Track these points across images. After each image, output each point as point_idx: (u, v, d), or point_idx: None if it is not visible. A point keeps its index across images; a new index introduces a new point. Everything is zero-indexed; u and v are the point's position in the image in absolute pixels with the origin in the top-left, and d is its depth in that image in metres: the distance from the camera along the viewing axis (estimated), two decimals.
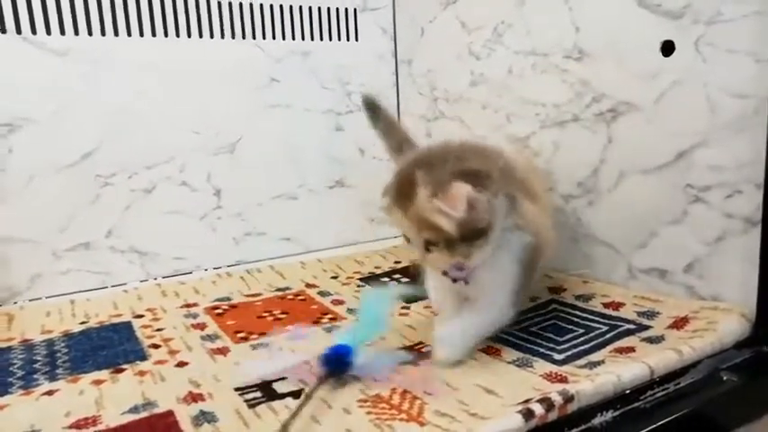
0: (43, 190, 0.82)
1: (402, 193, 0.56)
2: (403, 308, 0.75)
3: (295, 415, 0.47)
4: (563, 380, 0.52)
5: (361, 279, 0.88)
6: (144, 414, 0.50)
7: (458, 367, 0.57)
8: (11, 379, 0.58)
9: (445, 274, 0.57)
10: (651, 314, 0.65)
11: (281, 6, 0.97)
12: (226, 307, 0.77)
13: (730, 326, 0.58)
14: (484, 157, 0.57)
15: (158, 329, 0.70)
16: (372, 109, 0.77)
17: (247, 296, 0.81)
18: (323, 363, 0.54)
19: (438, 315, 0.66)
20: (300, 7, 0.99)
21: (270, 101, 0.98)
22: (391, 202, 0.57)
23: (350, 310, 0.74)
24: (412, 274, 0.80)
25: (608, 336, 0.61)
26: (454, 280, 0.57)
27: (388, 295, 0.64)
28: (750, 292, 0.60)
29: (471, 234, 0.53)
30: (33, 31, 0.80)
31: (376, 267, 0.94)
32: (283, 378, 0.55)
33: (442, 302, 0.66)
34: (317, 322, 0.71)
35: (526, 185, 0.60)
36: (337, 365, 0.54)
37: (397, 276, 0.88)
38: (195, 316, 0.74)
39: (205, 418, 0.49)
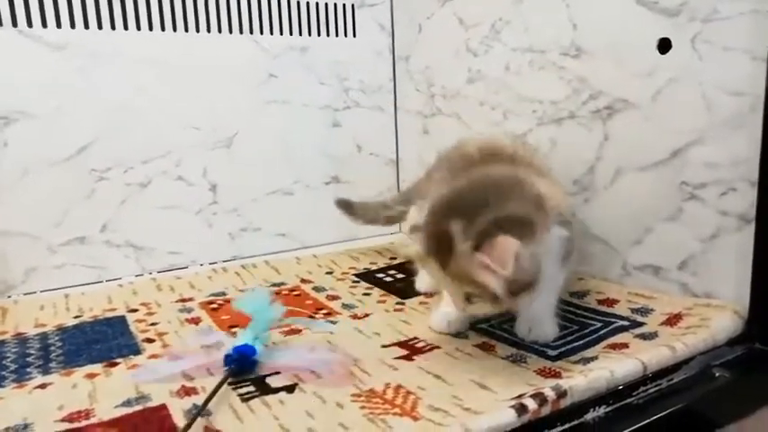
0: (38, 184, 0.82)
1: (438, 245, 0.52)
2: (398, 303, 0.75)
3: (199, 414, 0.47)
4: (556, 375, 0.52)
5: (356, 275, 0.88)
6: (137, 407, 0.50)
7: (452, 363, 0.57)
8: (4, 372, 0.57)
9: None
10: (645, 311, 0.65)
11: (278, 2, 0.97)
12: (221, 302, 0.77)
13: (723, 323, 0.58)
14: (521, 193, 0.54)
15: (153, 324, 0.70)
16: (346, 207, 0.87)
17: (242, 291, 0.81)
18: (226, 362, 0.55)
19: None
20: (298, 3, 0.98)
21: (267, 96, 0.98)
22: (426, 251, 0.54)
23: (345, 306, 0.74)
24: (408, 269, 0.80)
25: (602, 332, 0.62)
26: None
27: (263, 294, 0.64)
28: (743, 290, 0.60)
29: (519, 289, 0.51)
30: (29, 24, 0.79)
31: (371, 263, 0.94)
32: (278, 373, 0.55)
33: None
34: (311, 317, 0.71)
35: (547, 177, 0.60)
36: (241, 364, 0.55)
37: (392, 272, 0.88)
38: (190, 310, 0.74)
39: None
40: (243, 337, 0.57)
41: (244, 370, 0.55)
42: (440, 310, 0.64)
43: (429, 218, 0.54)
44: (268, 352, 0.58)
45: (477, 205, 0.52)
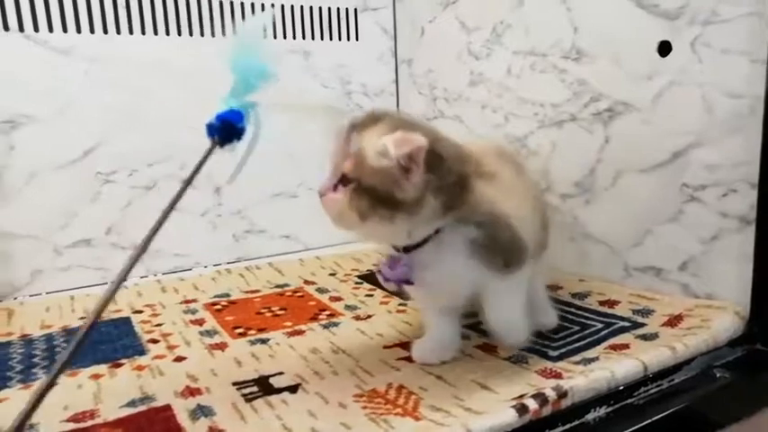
0: (44, 187, 0.83)
1: (363, 121, 0.51)
2: (400, 305, 0.75)
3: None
4: (557, 376, 0.53)
5: (359, 276, 0.88)
6: (142, 408, 0.51)
7: (453, 363, 0.57)
8: (10, 373, 0.58)
9: (379, 273, 0.54)
10: (646, 312, 0.66)
11: (281, 6, 0.97)
12: (225, 303, 0.78)
13: (724, 323, 0.59)
14: (464, 155, 0.53)
15: (157, 325, 0.70)
16: None
17: (246, 292, 0.82)
18: (209, 132, 0.47)
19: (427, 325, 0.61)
20: (301, 7, 0.99)
21: (270, 100, 0.98)
22: (348, 125, 0.52)
23: (347, 307, 0.75)
24: None
25: (603, 333, 0.62)
26: (385, 279, 0.53)
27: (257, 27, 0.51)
28: (744, 291, 0.61)
29: (384, 194, 0.48)
30: (36, 29, 0.80)
31: (374, 265, 0.94)
32: (281, 373, 0.56)
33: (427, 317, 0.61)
34: (314, 319, 0.71)
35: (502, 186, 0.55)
36: (227, 133, 0.47)
37: None
38: (194, 312, 0.75)
39: (202, 411, 0.49)
40: (227, 101, 0.48)
41: (230, 139, 0.47)
42: (420, 341, 0.60)
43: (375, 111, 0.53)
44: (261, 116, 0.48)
45: (425, 127, 0.51)
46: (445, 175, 0.49)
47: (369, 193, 0.49)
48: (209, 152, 0.46)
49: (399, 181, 0.48)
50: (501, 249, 0.53)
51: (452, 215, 0.51)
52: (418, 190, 0.48)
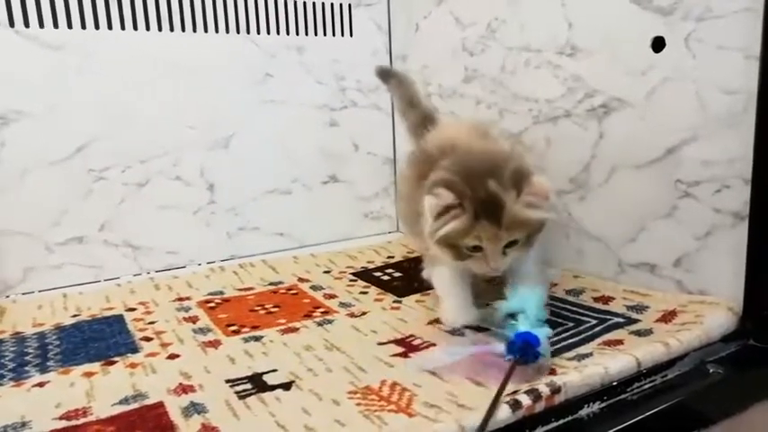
0: (36, 184, 0.82)
1: (485, 205, 0.56)
2: (395, 301, 0.75)
3: (489, 417, 0.44)
4: (551, 371, 0.53)
5: (353, 274, 0.88)
6: (134, 405, 0.50)
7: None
8: (2, 371, 0.58)
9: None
10: (640, 308, 0.66)
11: (275, 1, 0.97)
12: (218, 300, 0.77)
13: (717, 319, 0.59)
14: (507, 156, 0.61)
15: (150, 322, 0.70)
16: (384, 76, 0.87)
17: (240, 290, 0.82)
18: (510, 351, 0.52)
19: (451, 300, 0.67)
20: (295, 2, 0.99)
21: (264, 96, 0.98)
22: (473, 218, 0.56)
23: (342, 304, 0.75)
24: (405, 267, 0.80)
25: (597, 329, 0.62)
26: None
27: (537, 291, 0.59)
28: (737, 287, 0.61)
29: (537, 228, 0.58)
30: (26, 25, 0.80)
31: (369, 262, 0.94)
32: (274, 370, 0.56)
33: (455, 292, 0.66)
34: (308, 316, 0.71)
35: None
36: (526, 353, 0.51)
37: (389, 271, 0.89)
38: (188, 309, 0.74)
39: (195, 409, 0.49)
40: (522, 325, 0.54)
41: (527, 360, 0.51)
42: (449, 305, 0.66)
43: (460, 189, 0.57)
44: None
45: (487, 168, 0.58)
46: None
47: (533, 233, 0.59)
48: (512, 370, 0.49)
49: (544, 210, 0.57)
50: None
51: None
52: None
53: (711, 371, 0.55)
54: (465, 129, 0.70)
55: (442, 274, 0.67)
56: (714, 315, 0.59)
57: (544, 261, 0.67)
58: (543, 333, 0.53)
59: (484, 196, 0.56)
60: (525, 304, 0.56)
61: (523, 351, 0.51)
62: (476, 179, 0.57)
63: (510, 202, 0.56)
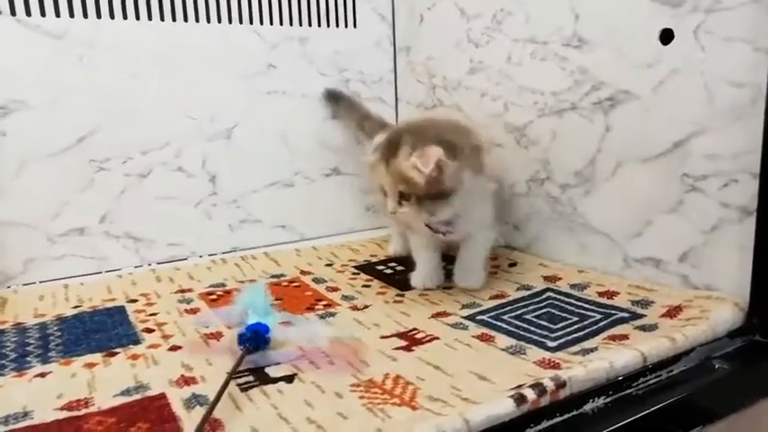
0: (37, 174, 0.82)
1: (388, 149, 0.67)
2: (398, 295, 0.75)
3: (218, 398, 0.47)
4: (556, 366, 0.52)
5: (356, 267, 0.88)
6: (136, 396, 0.50)
7: (451, 354, 0.57)
8: (3, 361, 0.57)
9: (429, 228, 0.69)
10: (645, 303, 0.65)
11: None
12: (220, 293, 0.77)
13: (723, 315, 0.58)
14: (461, 134, 0.69)
15: (152, 314, 0.70)
16: (333, 99, 0.99)
17: (242, 282, 0.81)
18: (241, 341, 0.56)
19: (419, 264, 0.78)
20: None
21: (266, 87, 0.97)
22: (379, 156, 0.68)
23: (345, 297, 0.74)
24: (408, 261, 0.81)
25: (602, 324, 0.62)
26: (436, 231, 0.70)
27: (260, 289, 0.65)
28: (744, 282, 0.60)
29: (436, 193, 0.65)
30: (28, 13, 0.79)
31: (371, 255, 0.94)
32: (279, 363, 0.55)
33: (419, 252, 0.78)
34: (311, 309, 0.71)
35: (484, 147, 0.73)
36: (256, 341, 0.56)
37: (392, 265, 0.88)
38: (189, 301, 0.74)
39: (197, 400, 0.49)
40: (251, 318, 0.59)
41: (259, 347, 0.56)
42: (418, 270, 0.77)
43: (388, 134, 0.71)
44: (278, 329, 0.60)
45: (425, 129, 0.68)
46: (465, 154, 0.66)
47: (427, 197, 0.65)
48: (242, 358, 0.54)
49: (440, 179, 0.64)
50: (504, 204, 0.73)
51: (480, 175, 0.69)
52: (455, 176, 0.65)
53: (717, 366, 0.55)
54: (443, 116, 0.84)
55: (415, 241, 0.78)
56: (720, 310, 0.59)
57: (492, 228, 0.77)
58: (272, 320, 0.59)
59: (392, 143, 0.67)
60: (251, 300, 0.62)
61: (254, 340, 0.56)
62: (400, 134, 0.68)
63: (402, 156, 0.65)
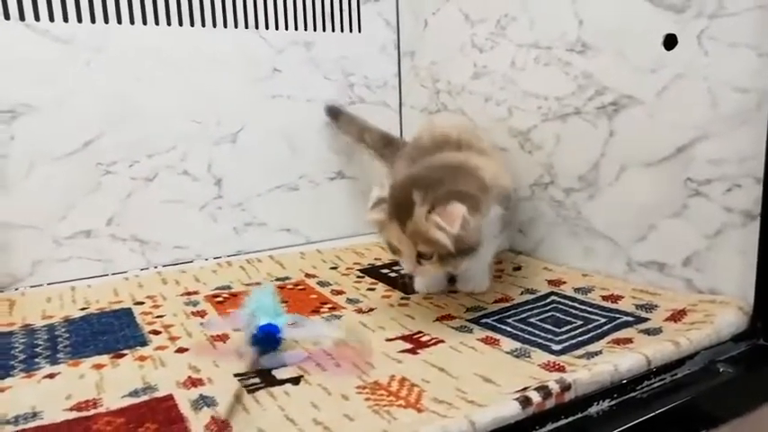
0: (45, 177, 0.82)
1: (398, 208, 0.63)
2: (402, 298, 0.75)
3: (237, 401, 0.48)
4: (560, 369, 0.53)
5: (361, 270, 0.88)
6: (144, 398, 0.50)
7: (456, 356, 0.57)
8: (12, 362, 0.58)
9: None
10: (649, 307, 0.65)
11: None
12: (226, 295, 0.77)
13: (728, 319, 0.59)
14: (469, 175, 0.66)
15: (159, 316, 0.70)
16: (333, 114, 0.97)
17: (247, 285, 0.82)
18: (254, 343, 0.56)
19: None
20: None
21: (272, 91, 0.98)
22: (388, 216, 0.64)
23: (349, 300, 0.75)
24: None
25: (606, 327, 0.62)
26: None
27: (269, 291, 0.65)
28: (748, 286, 0.61)
29: (463, 249, 0.62)
30: (36, 18, 0.80)
31: (376, 259, 0.94)
32: (285, 365, 0.56)
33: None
34: (316, 311, 0.71)
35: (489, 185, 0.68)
36: (268, 342, 0.56)
37: (397, 268, 0.89)
38: (195, 303, 0.74)
39: (205, 402, 0.49)
40: (262, 320, 0.59)
41: (270, 348, 0.57)
42: (421, 278, 0.76)
43: (393, 189, 0.65)
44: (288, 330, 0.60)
45: (434, 182, 0.63)
46: (483, 205, 0.64)
47: (450, 255, 0.62)
48: (257, 359, 0.55)
49: (464, 236, 0.60)
50: (514, 213, 0.73)
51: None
52: (478, 229, 0.63)
53: (721, 370, 0.55)
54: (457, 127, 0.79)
55: None
56: (724, 314, 0.59)
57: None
58: (282, 321, 0.59)
59: (402, 201, 0.63)
60: (260, 302, 0.61)
61: (266, 341, 0.56)
62: (407, 190, 0.63)
63: (418, 215, 0.61)
